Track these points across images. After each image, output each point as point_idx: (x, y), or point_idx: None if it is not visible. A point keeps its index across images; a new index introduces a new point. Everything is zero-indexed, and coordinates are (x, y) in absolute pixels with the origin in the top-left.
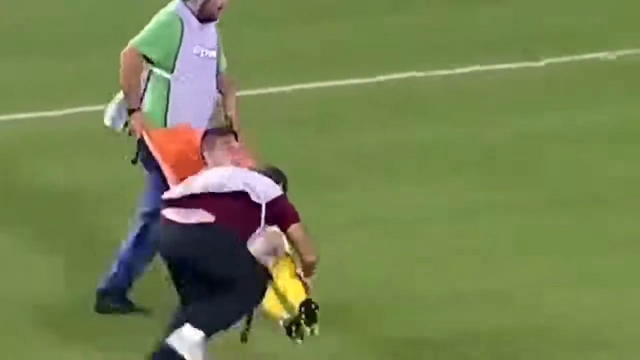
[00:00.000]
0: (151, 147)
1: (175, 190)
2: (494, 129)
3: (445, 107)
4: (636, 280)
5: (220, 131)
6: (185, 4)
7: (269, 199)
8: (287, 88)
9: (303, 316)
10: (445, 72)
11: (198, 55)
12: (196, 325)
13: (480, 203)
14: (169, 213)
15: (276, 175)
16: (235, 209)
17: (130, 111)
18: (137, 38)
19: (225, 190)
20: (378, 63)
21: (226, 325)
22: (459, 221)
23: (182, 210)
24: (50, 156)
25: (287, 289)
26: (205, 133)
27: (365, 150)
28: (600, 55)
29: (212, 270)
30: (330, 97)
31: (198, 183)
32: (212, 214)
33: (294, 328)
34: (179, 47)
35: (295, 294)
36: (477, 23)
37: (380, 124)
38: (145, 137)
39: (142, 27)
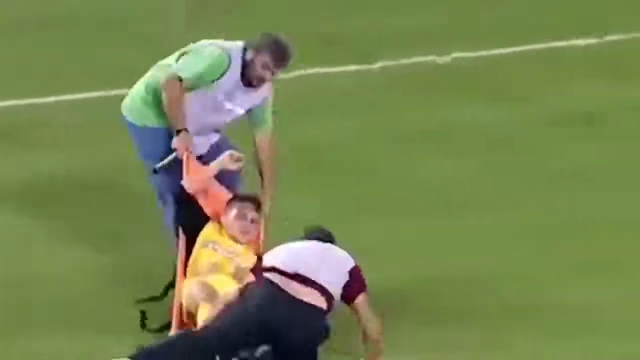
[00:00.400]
0: (184, 174)
1: (277, 260)
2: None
3: None
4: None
5: (243, 198)
6: (245, 53)
7: (348, 269)
8: None
9: None
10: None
11: (221, 102)
12: None
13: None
14: (276, 279)
15: (326, 236)
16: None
17: (177, 131)
18: (187, 69)
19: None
20: None
21: None
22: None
23: (292, 284)
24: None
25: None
26: (231, 198)
27: None
28: (435, 58)
29: (297, 349)
30: None
31: (300, 265)
32: (324, 301)
33: None
34: (210, 82)
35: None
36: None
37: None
38: (184, 161)
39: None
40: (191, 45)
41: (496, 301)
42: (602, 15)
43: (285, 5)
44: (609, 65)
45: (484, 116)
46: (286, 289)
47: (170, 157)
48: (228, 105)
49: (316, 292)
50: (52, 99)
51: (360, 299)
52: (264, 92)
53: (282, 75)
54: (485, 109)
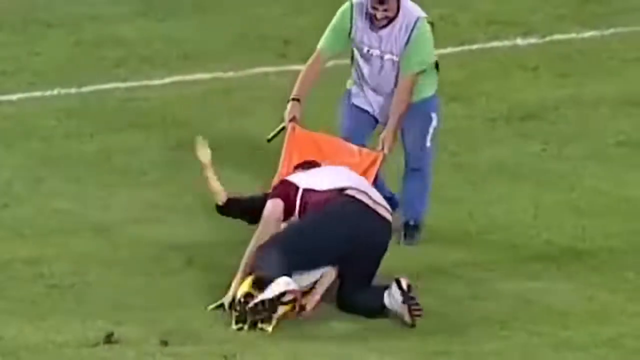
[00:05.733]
0: (285, 142)
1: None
2: None
3: None
4: None
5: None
6: None
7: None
8: None
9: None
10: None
11: (368, 53)
12: None
13: None
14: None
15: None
16: None
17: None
18: (323, 38)
19: None
20: None
21: None
22: None
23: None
24: None
25: None
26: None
27: None
28: None
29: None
30: None
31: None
32: (390, 215)
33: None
34: (349, 35)
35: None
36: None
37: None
38: (288, 130)
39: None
40: None
41: None
42: None
43: None
44: None
45: None
46: (366, 203)
47: (279, 127)
48: (374, 52)
49: (384, 207)
50: None
51: None
52: (401, 34)
53: None
54: None
